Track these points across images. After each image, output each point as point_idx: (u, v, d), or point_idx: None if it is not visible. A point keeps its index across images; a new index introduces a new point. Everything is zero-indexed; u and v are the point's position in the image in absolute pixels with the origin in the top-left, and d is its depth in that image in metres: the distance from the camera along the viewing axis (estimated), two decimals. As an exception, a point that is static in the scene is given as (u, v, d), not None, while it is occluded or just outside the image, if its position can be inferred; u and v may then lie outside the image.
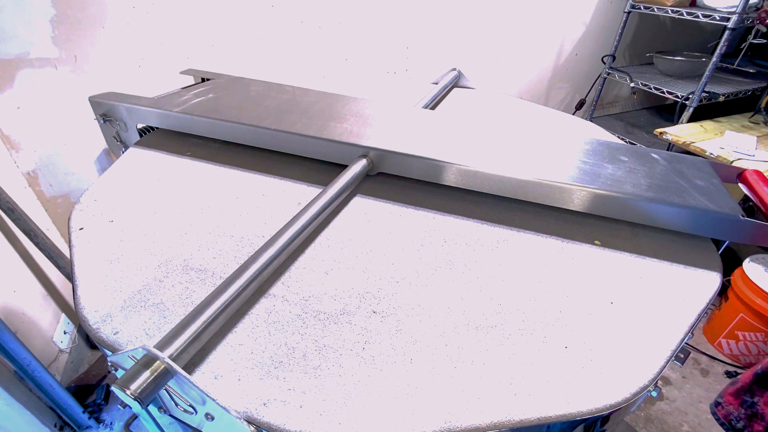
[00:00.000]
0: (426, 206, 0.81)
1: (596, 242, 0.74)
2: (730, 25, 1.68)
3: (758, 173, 0.82)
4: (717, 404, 0.82)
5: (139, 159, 0.92)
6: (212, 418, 0.49)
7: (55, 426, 1.15)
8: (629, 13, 2.05)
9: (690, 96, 1.88)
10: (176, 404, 0.51)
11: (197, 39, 1.35)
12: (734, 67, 2.21)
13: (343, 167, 0.82)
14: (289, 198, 0.81)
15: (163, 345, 0.48)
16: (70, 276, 0.98)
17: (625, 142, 1.64)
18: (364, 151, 0.83)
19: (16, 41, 1.11)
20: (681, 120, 1.93)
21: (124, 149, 1.03)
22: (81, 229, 0.72)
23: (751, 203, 0.79)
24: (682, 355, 0.71)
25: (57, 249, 1.25)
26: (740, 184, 0.84)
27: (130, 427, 0.78)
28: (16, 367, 1.01)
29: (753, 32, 1.93)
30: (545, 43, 2.18)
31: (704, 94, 1.88)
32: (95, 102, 0.98)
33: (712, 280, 0.67)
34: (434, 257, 0.69)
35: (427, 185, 0.85)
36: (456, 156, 0.79)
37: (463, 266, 0.68)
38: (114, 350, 0.53)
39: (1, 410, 0.98)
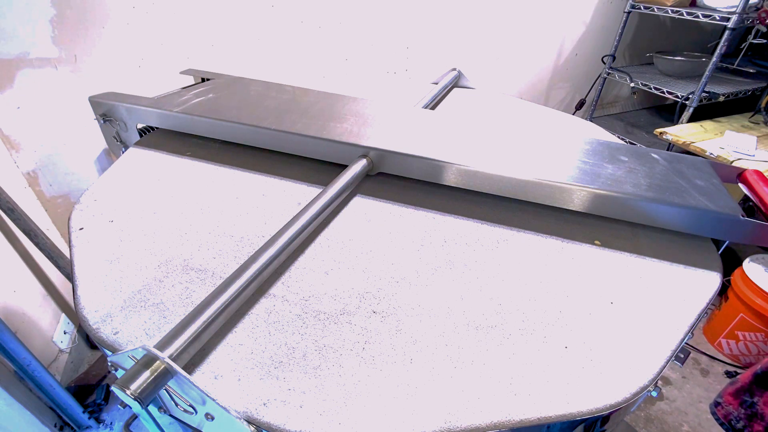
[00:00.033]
0: (426, 206, 0.81)
1: (596, 242, 0.74)
2: (730, 25, 1.68)
3: (758, 173, 0.82)
4: (716, 404, 0.82)
5: (139, 159, 0.92)
6: (212, 418, 0.49)
7: (55, 426, 1.15)
8: (629, 13, 2.05)
9: (690, 96, 1.88)
10: (176, 404, 0.51)
11: (197, 39, 1.35)
12: (734, 67, 2.21)
13: (343, 167, 0.82)
14: (289, 198, 0.81)
15: (163, 345, 0.48)
16: (70, 276, 0.98)
17: (625, 142, 1.64)
18: (364, 151, 0.83)
19: (16, 41, 1.11)
20: (681, 120, 1.93)
21: (124, 149, 1.03)
22: (81, 229, 0.72)
23: (751, 203, 0.79)
24: (682, 355, 0.71)
25: (57, 249, 1.25)
26: (740, 184, 0.84)
27: (130, 427, 0.78)
28: (16, 367, 1.01)
29: (753, 32, 1.93)
30: (545, 43, 2.18)
31: (704, 94, 1.88)
32: (95, 102, 0.98)
33: (712, 280, 0.67)
34: (434, 257, 0.69)
35: (427, 185, 0.85)
36: (456, 156, 0.79)
37: (463, 266, 0.68)
38: (114, 350, 0.53)
39: (1, 410, 0.98)
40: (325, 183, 0.79)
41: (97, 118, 1.00)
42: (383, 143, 0.83)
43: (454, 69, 1.50)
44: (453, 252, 0.71)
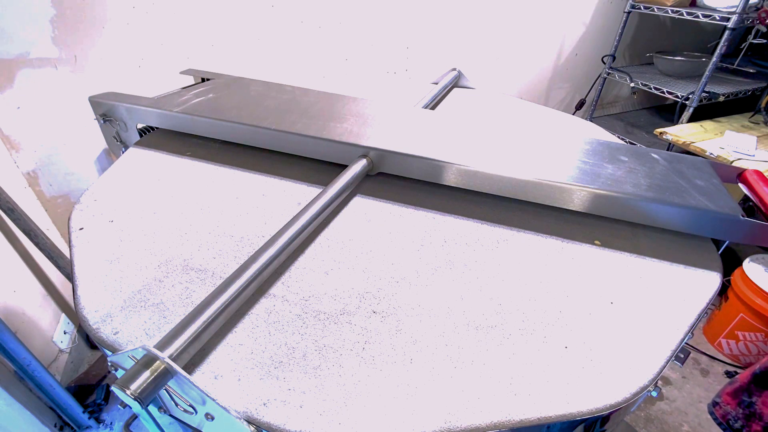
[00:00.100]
0: (426, 206, 0.81)
1: (596, 242, 0.74)
2: (730, 25, 1.68)
3: (758, 173, 0.82)
4: (715, 404, 0.82)
5: (139, 159, 0.92)
6: (212, 418, 0.49)
7: (55, 426, 1.15)
8: (629, 13, 2.05)
9: (690, 96, 1.88)
10: (176, 404, 0.51)
11: (197, 39, 1.35)
12: (734, 67, 2.21)
13: (343, 167, 0.82)
14: (289, 198, 0.81)
15: (163, 345, 0.48)
16: (70, 276, 0.98)
17: (625, 142, 1.64)
18: (364, 151, 0.83)
19: (16, 41, 1.11)
20: (681, 120, 1.93)
21: (124, 149, 1.03)
22: (81, 229, 0.72)
23: (751, 203, 0.79)
24: (682, 355, 0.71)
25: (57, 249, 1.25)
26: (740, 184, 0.84)
27: (130, 427, 0.78)
28: (16, 367, 1.01)
29: (753, 32, 1.93)
30: (545, 43, 2.18)
31: (704, 94, 1.88)
32: (95, 102, 0.98)
33: (712, 280, 0.67)
34: (434, 257, 0.69)
35: (427, 185, 0.85)
36: (456, 156, 0.79)
37: (463, 266, 0.68)
38: (114, 350, 0.53)
39: (1, 410, 0.98)
40: (325, 183, 0.79)
41: (97, 118, 1.00)
42: (383, 143, 0.83)
43: (454, 69, 1.50)
44: (453, 252, 0.71)
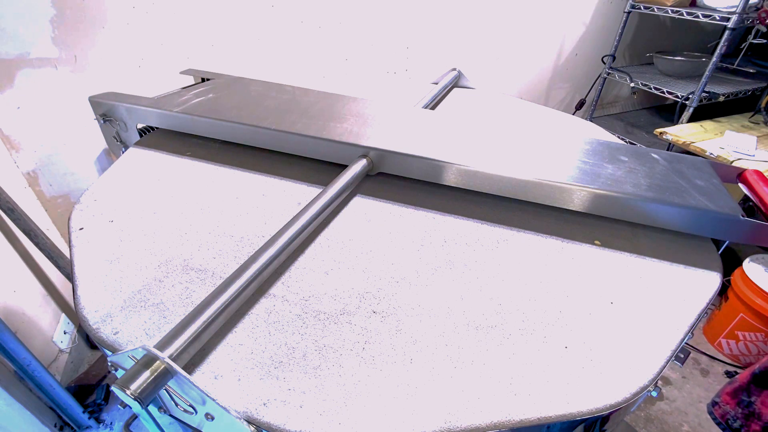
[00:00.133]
0: (426, 206, 0.81)
1: (596, 242, 0.74)
2: (730, 25, 1.68)
3: (758, 173, 0.82)
4: (714, 404, 0.82)
5: (139, 159, 0.92)
6: (212, 418, 0.49)
7: (55, 426, 1.15)
8: (629, 13, 2.05)
9: (690, 96, 1.88)
10: (176, 404, 0.51)
11: (197, 39, 1.35)
12: (734, 67, 2.21)
13: (343, 167, 0.82)
14: (289, 198, 0.81)
15: (163, 345, 0.48)
16: (70, 276, 0.98)
17: (625, 142, 1.64)
18: (364, 151, 0.83)
19: (16, 41, 1.11)
20: (681, 120, 1.93)
21: (124, 149, 1.03)
22: (81, 229, 0.72)
23: (751, 203, 0.79)
24: (682, 355, 0.71)
25: (57, 249, 1.25)
26: (740, 184, 0.84)
27: (130, 427, 0.78)
28: (16, 367, 1.01)
29: (753, 32, 1.93)
30: (545, 43, 2.18)
31: (704, 94, 1.88)
32: (95, 102, 0.98)
33: (712, 280, 0.67)
34: (434, 257, 0.69)
35: (427, 185, 0.85)
36: (456, 156, 0.79)
37: (463, 266, 0.68)
38: (114, 350, 0.53)
39: (1, 410, 0.98)
40: (325, 183, 0.79)
41: (97, 118, 1.00)
42: (383, 143, 0.83)
43: (454, 69, 1.50)
44: (453, 252, 0.71)
